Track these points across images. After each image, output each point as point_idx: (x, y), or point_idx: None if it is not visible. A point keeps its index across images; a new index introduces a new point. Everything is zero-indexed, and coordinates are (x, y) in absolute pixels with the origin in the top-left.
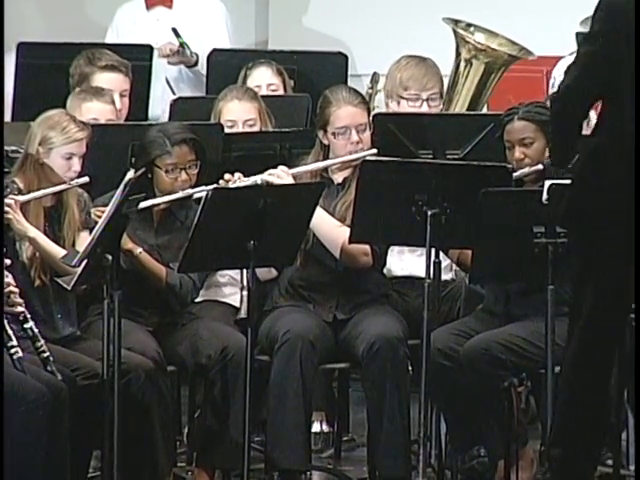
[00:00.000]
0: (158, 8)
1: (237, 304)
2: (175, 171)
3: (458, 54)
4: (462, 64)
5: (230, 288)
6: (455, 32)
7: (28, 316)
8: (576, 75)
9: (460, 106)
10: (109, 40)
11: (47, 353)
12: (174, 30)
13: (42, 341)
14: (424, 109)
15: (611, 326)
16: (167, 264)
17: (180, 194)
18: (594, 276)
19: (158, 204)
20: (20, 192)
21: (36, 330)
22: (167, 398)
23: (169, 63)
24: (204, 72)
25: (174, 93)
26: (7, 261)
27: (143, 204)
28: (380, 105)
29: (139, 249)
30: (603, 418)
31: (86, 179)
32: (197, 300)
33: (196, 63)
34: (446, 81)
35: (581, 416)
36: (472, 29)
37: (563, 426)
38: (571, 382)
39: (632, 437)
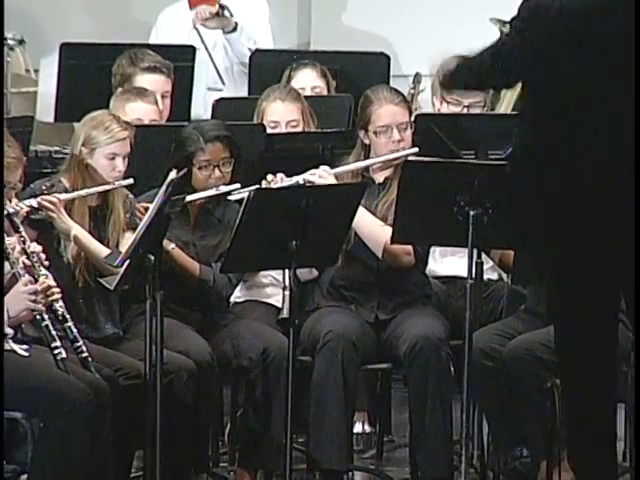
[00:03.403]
0: (202, 6)
1: (279, 304)
2: (209, 168)
3: None
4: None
5: (272, 289)
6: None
7: (67, 316)
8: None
9: (504, 108)
10: (153, 40)
11: (86, 353)
12: None
13: (81, 341)
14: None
15: (599, 327)
16: (202, 260)
17: (224, 189)
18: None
19: (196, 200)
20: (66, 192)
21: (75, 330)
22: (212, 398)
23: (207, 27)
24: (246, 47)
25: (222, 80)
26: (45, 262)
27: (189, 198)
28: (423, 105)
29: (172, 245)
30: (611, 422)
31: (131, 180)
32: (239, 300)
33: (235, 29)
34: None
35: (589, 425)
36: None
37: (573, 437)
38: (572, 391)
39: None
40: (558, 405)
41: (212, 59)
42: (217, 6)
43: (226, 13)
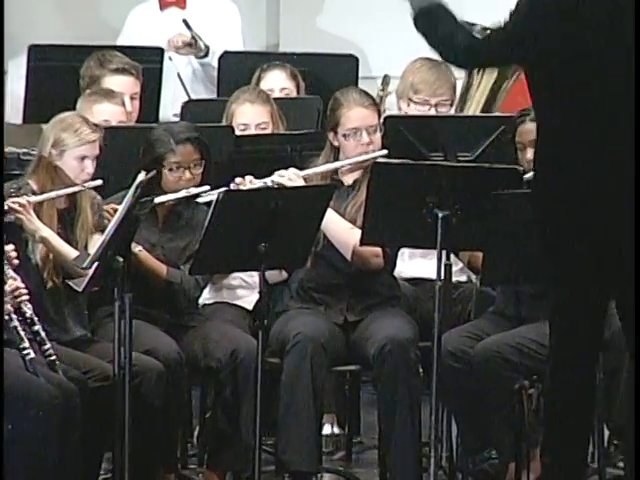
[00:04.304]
0: (172, 9)
1: (248, 306)
2: (179, 170)
3: None
4: (475, 69)
5: (242, 290)
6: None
7: (35, 319)
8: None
9: (474, 109)
10: (122, 42)
11: (54, 356)
12: (185, 22)
13: (49, 344)
14: (431, 114)
15: (588, 327)
16: (171, 262)
17: (193, 191)
18: (565, 278)
19: (165, 201)
20: (34, 194)
21: (43, 333)
22: (180, 400)
23: (180, 54)
24: (215, 65)
25: (187, 91)
26: (15, 261)
27: (158, 199)
28: (391, 107)
29: (138, 247)
30: (588, 422)
31: (99, 182)
32: (208, 302)
33: (206, 54)
34: (460, 84)
35: (566, 423)
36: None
37: (550, 433)
38: (555, 388)
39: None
40: (526, 406)
41: (181, 79)
42: (190, 36)
43: (199, 43)
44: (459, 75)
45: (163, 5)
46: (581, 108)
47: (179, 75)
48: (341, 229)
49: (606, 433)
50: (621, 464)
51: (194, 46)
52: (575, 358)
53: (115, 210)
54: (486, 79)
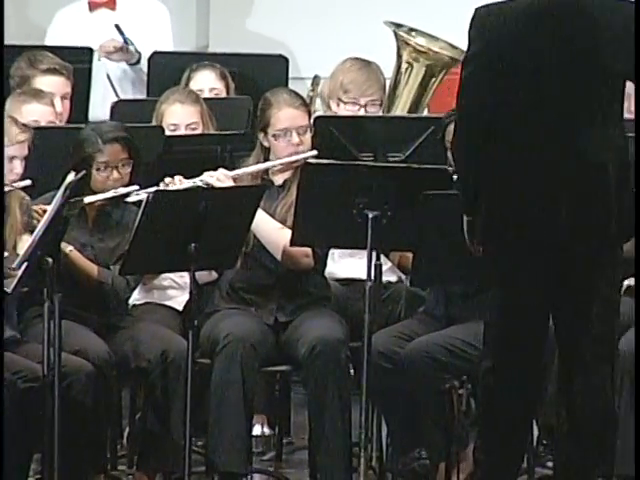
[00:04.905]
0: (101, 10)
1: (178, 307)
2: (107, 169)
3: (399, 57)
4: (403, 67)
5: (172, 291)
6: (396, 35)
7: None
8: (463, 104)
9: (401, 109)
10: (49, 42)
11: None
12: (117, 27)
13: None
14: (361, 114)
15: (528, 327)
16: (100, 263)
17: (122, 191)
18: (503, 278)
19: (95, 201)
20: None
21: None
22: (110, 400)
23: (111, 60)
24: (145, 69)
25: (116, 92)
26: None
27: (87, 199)
28: (317, 108)
29: (69, 247)
30: (524, 422)
31: (28, 182)
32: (138, 303)
33: (138, 61)
34: (388, 83)
35: (502, 421)
36: (414, 33)
37: (486, 431)
38: (491, 386)
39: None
40: (456, 407)
41: (110, 80)
42: (122, 41)
43: (130, 48)
44: (388, 75)
45: (93, 6)
46: (524, 107)
47: (108, 76)
48: (271, 229)
49: (535, 432)
50: (550, 464)
51: (126, 51)
52: (514, 358)
53: (44, 210)
54: (413, 78)
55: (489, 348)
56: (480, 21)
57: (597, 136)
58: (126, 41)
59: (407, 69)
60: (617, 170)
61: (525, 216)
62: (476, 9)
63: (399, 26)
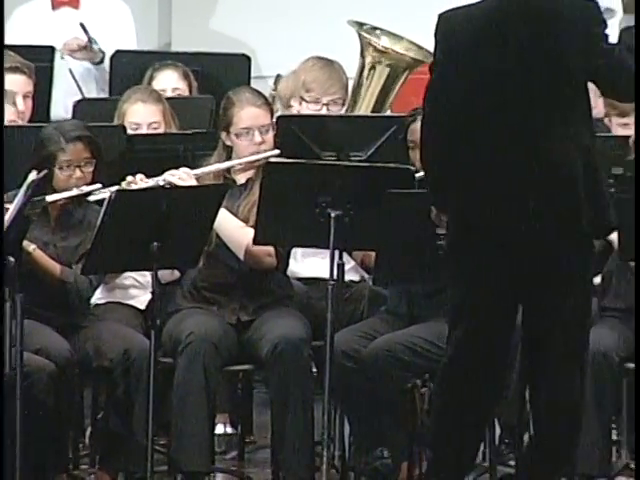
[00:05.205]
0: (64, 8)
1: (141, 306)
2: (70, 168)
3: (363, 57)
4: (366, 67)
5: (134, 290)
6: (359, 35)
7: None
8: (429, 108)
9: (364, 109)
10: (8, 38)
11: None
12: (82, 25)
13: None
14: (323, 113)
15: (492, 327)
16: (63, 261)
17: (85, 189)
18: (469, 277)
19: (57, 200)
20: None
21: None
22: (72, 400)
23: (75, 58)
24: (107, 69)
25: (80, 88)
26: None
27: (49, 198)
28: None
29: (32, 246)
30: (477, 422)
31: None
32: (100, 302)
33: (102, 60)
34: (351, 83)
35: (452, 421)
36: (377, 32)
37: (437, 429)
38: (443, 387)
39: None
40: (419, 405)
41: (73, 75)
42: (86, 40)
43: (94, 46)
44: (351, 74)
45: (56, 4)
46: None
47: (71, 71)
48: (234, 228)
49: (497, 431)
50: (512, 462)
51: (90, 50)
52: (476, 357)
53: (6, 210)
54: (376, 79)
55: (451, 346)
56: (444, 26)
57: (562, 136)
58: (90, 40)
59: (370, 70)
60: (584, 169)
61: (492, 217)
62: (440, 14)
63: (362, 25)
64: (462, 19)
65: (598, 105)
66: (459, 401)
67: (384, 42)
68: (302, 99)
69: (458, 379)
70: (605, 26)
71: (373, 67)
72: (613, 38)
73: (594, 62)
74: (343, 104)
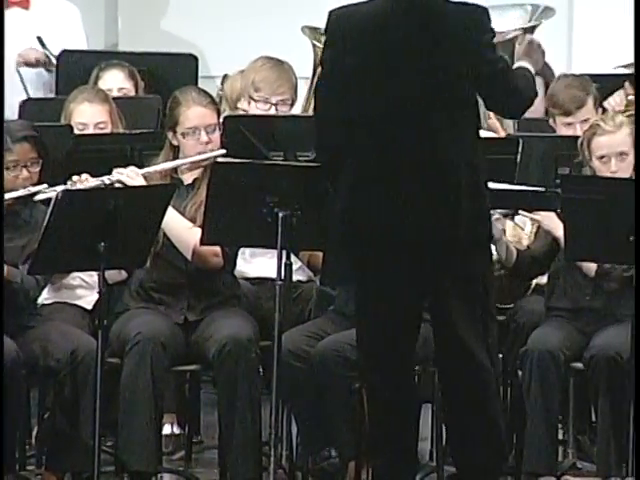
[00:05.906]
0: (14, 9)
1: (88, 306)
2: (16, 168)
3: (315, 58)
4: (319, 68)
5: (81, 290)
6: (311, 40)
7: None
8: (318, 106)
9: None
10: None
11: None
12: (39, 39)
13: None
14: (272, 113)
15: (394, 326)
16: (9, 262)
17: (31, 189)
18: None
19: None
20: None
21: None
22: (19, 400)
23: (29, 67)
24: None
25: (26, 89)
26: None
27: None
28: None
29: None
30: (408, 422)
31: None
32: (47, 302)
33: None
34: (303, 83)
35: (384, 423)
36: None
37: (373, 435)
38: (368, 389)
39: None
40: (366, 405)
41: (20, 75)
42: (44, 53)
43: (52, 60)
44: (300, 75)
45: (6, 4)
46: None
47: (19, 72)
48: (181, 228)
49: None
50: None
51: (48, 64)
52: (383, 358)
53: None
54: None
55: (361, 349)
56: (334, 24)
57: (448, 137)
58: (48, 55)
59: None
60: (468, 170)
61: (380, 216)
62: (330, 11)
63: (315, 29)
64: (351, 17)
65: (537, 105)
66: (381, 403)
67: None
68: (251, 99)
69: (374, 382)
70: (493, 35)
71: None
72: (557, 36)
73: (477, 69)
74: (292, 104)
